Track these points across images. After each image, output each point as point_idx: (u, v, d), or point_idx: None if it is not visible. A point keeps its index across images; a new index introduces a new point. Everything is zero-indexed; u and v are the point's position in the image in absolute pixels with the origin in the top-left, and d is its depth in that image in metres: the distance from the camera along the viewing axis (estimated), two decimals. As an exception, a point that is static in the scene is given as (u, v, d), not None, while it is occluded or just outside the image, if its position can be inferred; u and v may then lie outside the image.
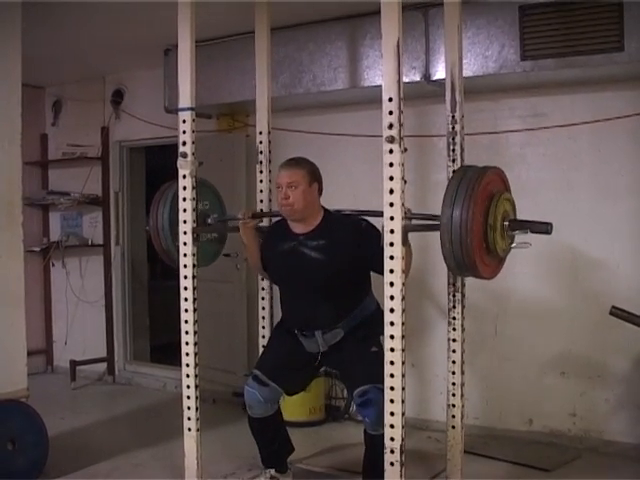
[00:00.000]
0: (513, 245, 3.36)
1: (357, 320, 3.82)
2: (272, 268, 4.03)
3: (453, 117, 3.76)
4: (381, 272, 3.25)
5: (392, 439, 3.20)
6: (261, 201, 4.35)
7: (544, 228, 3.30)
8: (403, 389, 3.18)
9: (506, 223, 3.26)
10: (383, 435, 3.27)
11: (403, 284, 3.14)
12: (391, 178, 3.11)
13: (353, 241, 3.69)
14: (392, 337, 3.17)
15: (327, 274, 3.71)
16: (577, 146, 4.76)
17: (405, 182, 3.15)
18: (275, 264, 3.98)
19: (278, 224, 4.03)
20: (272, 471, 4.13)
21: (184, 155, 3.81)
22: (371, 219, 3.71)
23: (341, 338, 3.82)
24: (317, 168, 3.86)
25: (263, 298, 4.41)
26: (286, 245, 3.85)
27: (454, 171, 3.60)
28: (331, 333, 3.80)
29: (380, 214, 3.19)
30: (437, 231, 3.15)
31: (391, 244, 3.13)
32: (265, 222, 4.28)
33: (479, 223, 3.11)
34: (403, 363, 3.18)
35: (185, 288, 3.87)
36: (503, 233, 3.26)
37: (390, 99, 3.10)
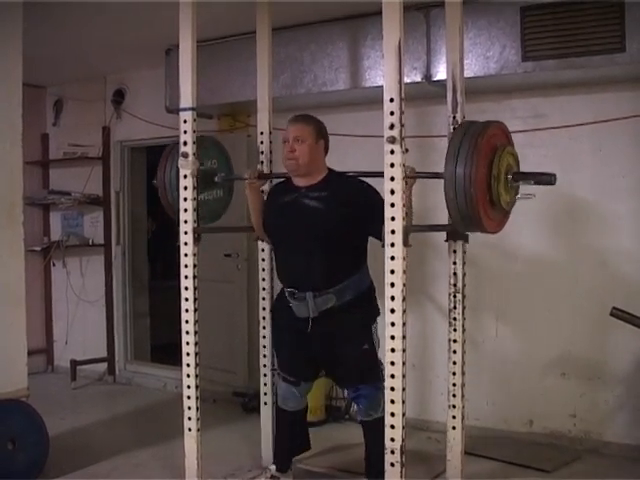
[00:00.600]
0: (517, 196, 3.35)
1: (350, 293, 3.77)
2: (270, 220, 4.01)
3: (454, 118, 3.76)
4: (378, 237, 3.29)
5: (392, 439, 3.19)
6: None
7: (547, 179, 3.29)
8: (404, 389, 3.18)
9: (510, 176, 3.26)
10: (377, 421, 3.30)
11: (404, 285, 3.14)
12: (392, 179, 3.11)
13: (355, 199, 3.71)
14: (393, 337, 3.16)
15: (325, 223, 3.69)
16: (578, 147, 4.76)
17: (406, 182, 3.16)
18: (274, 216, 3.97)
19: (281, 182, 4.06)
20: (273, 470, 4.15)
21: (185, 155, 3.81)
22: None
23: (333, 310, 3.75)
24: (324, 126, 3.89)
25: (264, 298, 4.40)
26: (287, 197, 3.87)
27: (456, 126, 3.60)
28: (322, 298, 3.74)
29: (381, 174, 3.19)
30: (439, 179, 3.15)
31: (392, 244, 3.13)
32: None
33: (483, 175, 3.11)
34: (404, 364, 3.18)
35: (186, 288, 3.87)
36: (507, 186, 3.26)
37: (391, 100, 3.10)
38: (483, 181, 3.12)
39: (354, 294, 3.79)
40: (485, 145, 3.12)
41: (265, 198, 4.16)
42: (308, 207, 3.76)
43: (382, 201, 3.20)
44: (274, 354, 4.29)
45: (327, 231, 3.68)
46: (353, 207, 3.67)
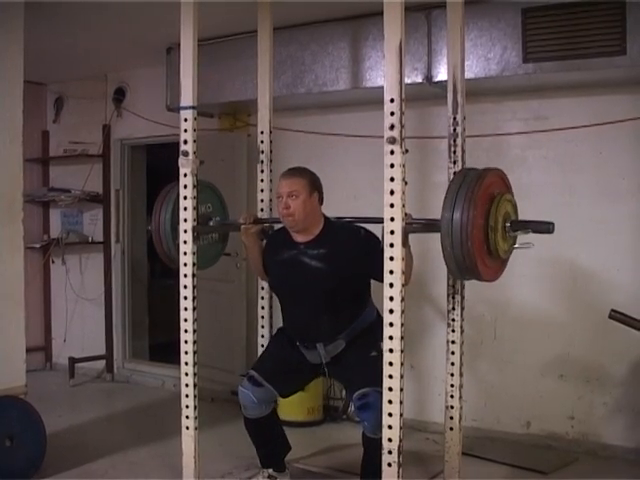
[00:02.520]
0: (515, 246, 3.35)
1: (358, 329, 3.83)
2: (272, 277, 4.06)
3: (454, 119, 3.76)
4: (380, 279, 3.25)
5: (390, 440, 3.19)
6: (262, 201, 4.36)
7: (546, 228, 3.29)
8: (401, 390, 3.18)
9: (507, 224, 3.26)
10: (381, 439, 3.27)
11: (403, 285, 3.14)
12: (392, 179, 3.11)
13: (353, 250, 3.71)
14: (391, 338, 3.16)
15: (328, 283, 3.72)
16: (578, 149, 4.76)
17: (406, 183, 3.15)
18: (275, 273, 4.00)
19: (279, 232, 4.03)
20: (270, 470, 4.15)
21: (185, 154, 3.81)
22: (371, 227, 3.70)
23: (342, 349, 3.83)
24: (317, 178, 3.88)
25: (262, 298, 4.41)
26: (286, 254, 3.87)
27: (455, 173, 3.60)
28: (333, 345, 3.81)
29: (380, 221, 3.18)
30: (438, 232, 3.15)
31: (391, 245, 3.13)
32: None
33: (479, 225, 3.11)
34: (402, 364, 3.18)
35: (185, 286, 3.86)
36: (504, 234, 3.25)
37: (392, 100, 3.10)
38: (480, 232, 3.11)
39: (362, 328, 3.85)
40: (482, 195, 3.11)
41: (265, 243, 4.13)
42: (309, 267, 3.77)
43: (379, 244, 3.21)
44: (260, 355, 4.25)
45: (329, 289, 3.72)
46: (353, 256, 3.69)
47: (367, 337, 3.82)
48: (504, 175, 3.39)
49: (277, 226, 4.11)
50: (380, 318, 3.60)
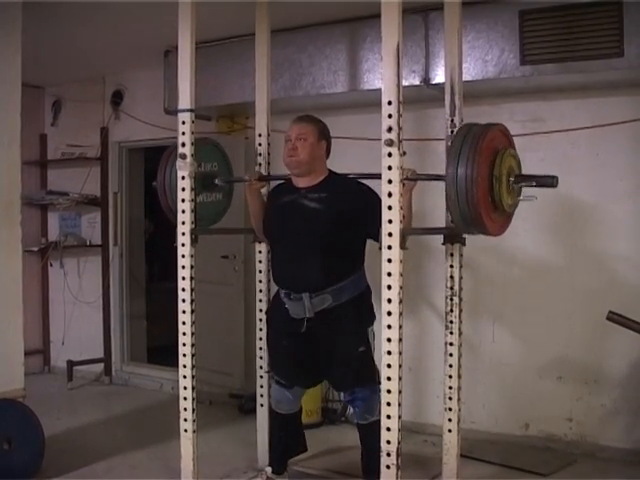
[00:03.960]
0: (520, 198, 3.36)
1: (347, 294, 3.77)
2: (269, 221, 4.02)
3: (452, 121, 3.77)
4: (376, 238, 3.29)
5: (388, 442, 3.20)
6: (260, 203, 4.36)
7: (549, 181, 3.31)
8: (400, 392, 3.18)
9: (511, 178, 3.27)
10: (373, 424, 3.30)
11: (401, 287, 3.14)
12: (390, 181, 3.12)
13: (353, 201, 3.73)
14: (389, 340, 3.16)
15: (323, 224, 3.71)
16: (576, 151, 4.77)
17: (404, 185, 3.16)
18: (272, 216, 3.99)
19: (282, 184, 4.07)
20: (269, 472, 4.16)
21: (183, 156, 3.82)
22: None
23: (329, 311, 3.75)
24: (328, 129, 3.94)
25: (260, 300, 4.41)
26: (287, 198, 3.89)
27: (458, 128, 3.60)
28: (318, 298, 3.74)
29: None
30: (440, 181, 3.18)
31: (389, 247, 3.13)
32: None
33: (485, 177, 3.13)
34: (400, 366, 3.18)
35: (183, 289, 3.87)
36: (509, 187, 3.27)
37: (389, 102, 3.10)
38: (485, 182, 3.13)
39: (350, 295, 3.78)
40: (486, 147, 3.13)
41: (265, 200, 4.17)
42: (307, 207, 3.78)
43: (380, 203, 3.20)
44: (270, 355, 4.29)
45: (325, 231, 3.70)
46: (352, 209, 3.69)
47: (355, 317, 3.79)
48: (507, 131, 3.44)
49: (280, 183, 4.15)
50: (370, 291, 3.63)
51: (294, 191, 3.87)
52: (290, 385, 4.03)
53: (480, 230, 3.27)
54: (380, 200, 3.22)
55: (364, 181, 3.89)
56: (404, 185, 3.19)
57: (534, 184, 3.30)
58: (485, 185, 3.13)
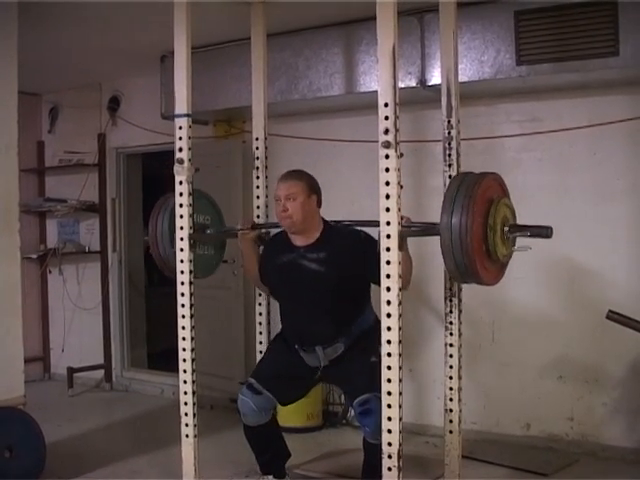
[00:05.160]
0: (514, 248, 3.36)
1: (357, 333, 3.83)
2: (271, 281, 4.05)
3: (449, 122, 3.76)
4: (377, 282, 3.26)
5: (390, 444, 3.19)
6: (258, 207, 4.35)
7: (544, 232, 3.30)
8: (400, 394, 3.18)
9: (506, 228, 3.26)
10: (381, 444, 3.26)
11: (400, 289, 3.14)
12: (387, 183, 3.11)
13: (353, 253, 3.71)
14: (389, 342, 3.16)
15: (327, 286, 3.72)
16: (573, 150, 4.77)
17: (401, 187, 3.15)
18: (274, 277, 4.00)
19: (278, 236, 4.04)
20: (270, 477, 4.14)
21: (180, 161, 3.81)
22: (369, 230, 3.71)
23: (341, 352, 3.83)
24: (316, 181, 3.89)
25: (260, 304, 4.40)
26: (285, 258, 3.87)
27: (452, 177, 3.60)
28: (332, 348, 3.81)
29: (378, 224, 3.18)
30: (435, 236, 3.15)
31: (387, 249, 3.13)
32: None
33: (479, 226, 3.11)
34: (400, 368, 3.18)
35: (182, 294, 3.86)
36: (503, 237, 3.26)
37: (386, 104, 3.10)
38: (479, 231, 3.11)
39: (360, 332, 3.84)
40: (481, 196, 3.12)
41: (262, 250, 4.13)
42: (307, 269, 3.78)
43: (376, 245, 3.21)
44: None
45: (329, 292, 3.73)
46: (352, 259, 3.69)
47: (366, 342, 3.80)
48: (501, 180, 3.40)
49: (274, 233, 4.12)
50: (379, 321, 3.60)
51: (292, 249, 3.86)
52: (259, 391, 3.89)
53: (474, 279, 3.26)
54: (377, 245, 3.21)
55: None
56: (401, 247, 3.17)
57: (528, 234, 3.30)
58: (480, 234, 3.12)
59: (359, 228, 3.86)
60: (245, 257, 4.12)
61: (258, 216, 4.33)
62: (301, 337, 3.89)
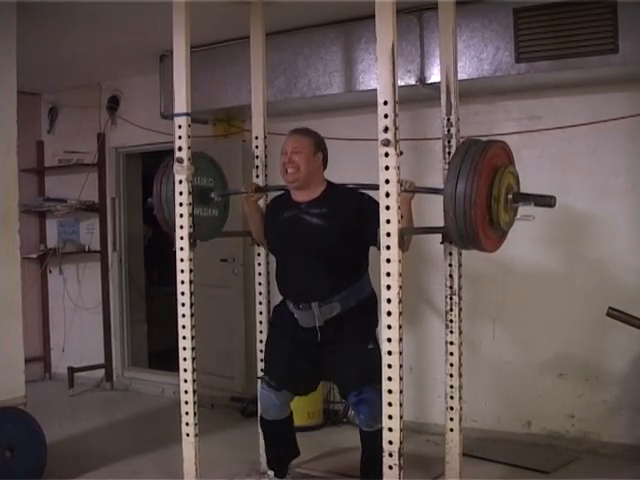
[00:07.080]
0: (517, 217, 3.36)
1: (354, 299, 3.81)
2: (271, 236, 4.05)
3: (448, 120, 3.77)
4: (374, 243, 3.33)
5: (390, 442, 3.19)
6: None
7: (548, 201, 3.30)
8: (401, 392, 3.18)
9: (510, 196, 3.27)
10: (378, 432, 3.27)
11: (400, 287, 3.14)
12: (387, 181, 3.11)
13: (354, 211, 3.73)
14: (389, 340, 3.16)
15: (327, 240, 3.73)
16: (573, 148, 4.77)
17: (401, 184, 3.16)
18: (275, 232, 4.00)
19: (281, 196, 4.07)
20: (271, 476, 4.15)
21: (180, 160, 3.81)
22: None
23: (338, 317, 3.79)
24: (323, 140, 3.94)
25: (260, 303, 4.41)
26: (287, 213, 3.89)
27: (459, 144, 3.60)
28: (327, 306, 3.78)
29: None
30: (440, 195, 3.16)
31: (387, 247, 3.13)
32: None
33: (483, 195, 3.13)
34: (401, 366, 3.18)
35: (182, 293, 3.86)
36: (506, 206, 3.27)
37: (385, 102, 3.10)
38: (483, 202, 3.13)
39: (357, 300, 3.83)
40: (486, 166, 3.13)
41: (264, 211, 4.18)
42: (309, 223, 3.79)
43: (378, 206, 3.20)
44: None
45: (329, 247, 3.73)
46: (352, 221, 3.71)
47: (363, 319, 3.82)
48: (508, 147, 3.43)
49: (278, 195, 4.14)
50: (375, 295, 3.64)
51: (294, 206, 3.88)
52: (278, 388, 3.97)
53: (476, 247, 3.29)
54: (378, 204, 3.22)
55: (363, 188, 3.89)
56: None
57: (532, 204, 3.30)
58: (483, 205, 3.14)
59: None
60: (250, 219, 4.17)
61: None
62: (298, 293, 3.86)
